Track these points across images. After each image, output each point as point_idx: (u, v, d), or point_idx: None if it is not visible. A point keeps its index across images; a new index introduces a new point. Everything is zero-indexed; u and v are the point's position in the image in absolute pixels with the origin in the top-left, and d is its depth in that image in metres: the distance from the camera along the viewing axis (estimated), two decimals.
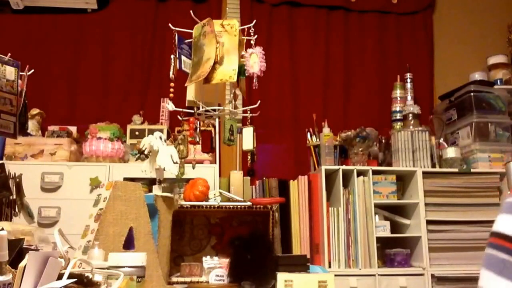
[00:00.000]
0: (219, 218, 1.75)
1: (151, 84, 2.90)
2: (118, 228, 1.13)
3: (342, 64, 3.08)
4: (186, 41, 1.65)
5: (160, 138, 1.40)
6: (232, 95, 1.67)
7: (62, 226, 1.51)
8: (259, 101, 1.76)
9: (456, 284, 2.34)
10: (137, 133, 2.58)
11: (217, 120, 2.27)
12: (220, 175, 2.44)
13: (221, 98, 1.93)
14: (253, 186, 2.55)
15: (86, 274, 0.69)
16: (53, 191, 2.31)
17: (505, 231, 0.57)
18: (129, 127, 2.61)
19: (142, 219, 1.21)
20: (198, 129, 1.59)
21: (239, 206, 1.65)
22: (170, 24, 1.61)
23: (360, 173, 2.45)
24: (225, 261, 1.52)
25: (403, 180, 2.59)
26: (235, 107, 1.65)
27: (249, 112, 1.73)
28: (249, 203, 1.67)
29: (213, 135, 2.49)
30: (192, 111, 1.62)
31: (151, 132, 1.97)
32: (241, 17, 2.98)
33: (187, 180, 1.87)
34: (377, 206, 2.43)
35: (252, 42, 1.59)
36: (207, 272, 1.53)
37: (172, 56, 1.57)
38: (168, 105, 1.56)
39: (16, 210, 1.46)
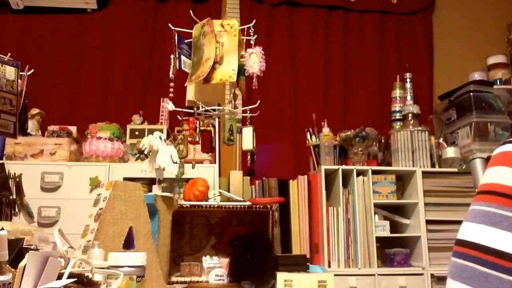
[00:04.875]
0: (219, 218, 1.75)
1: (151, 84, 2.91)
2: (118, 228, 1.13)
3: (341, 64, 3.08)
4: (186, 41, 1.65)
5: (160, 138, 1.40)
6: (231, 95, 1.67)
7: (62, 226, 1.51)
8: (259, 101, 1.77)
9: None
10: (137, 133, 2.58)
11: (216, 120, 2.27)
12: (220, 175, 2.45)
13: (221, 98, 1.93)
14: (253, 186, 2.56)
15: (86, 274, 0.69)
16: (53, 191, 2.31)
17: (482, 242, 0.55)
18: (129, 127, 2.62)
19: (142, 219, 1.21)
20: (198, 129, 1.60)
21: (238, 206, 1.65)
22: (170, 24, 1.61)
23: (359, 173, 2.45)
24: (225, 260, 1.53)
25: (402, 180, 2.59)
26: (235, 107, 1.66)
27: (248, 112, 1.73)
28: (248, 203, 1.67)
29: (212, 135, 2.49)
30: (192, 111, 1.62)
31: (151, 132, 1.97)
32: (241, 17, 2.98)
33: (187, 180, 1.88)
34: (376, 206, 2.44)
35: (252, 42, 1.59)
36: (207, 271, 1.54)
37: (172, 56, 1.57)
38: (168, 105, 1.56)
39: (16, 210, 1.47)
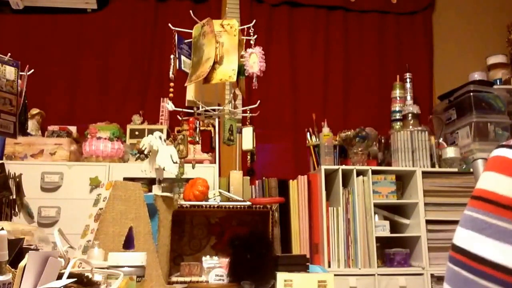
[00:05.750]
0: (219, 218, 1.75)
1: (151, 84, 2.91)
2: (118, 228, 1.13)
3: (341, 64, 3.08)
4: (186, 41, 1.65)
5: (160, 138, 1.40)
6: (231, 95, 1.67)
7: (62, 226, 1.51)
8: (259, 101, 1.77)
9: None
10: (137, 133, 2.58)
11: (216, 120, 2.27)
12: (219, 175, 2.45)
13: (221, 98, 1.93)
14: (253, 186, 2.56)
15: (86, 274, 0.69)
16: (53, 191, 2.31)
17: (468, 248, 0.55)
18: (129, 127, 2.62)
19: (142, 219, 1.21)
20: (197, 129, 1.60)
21: (238, 206, 1.65)
22: (170, 24, 1.61)
23: (359, 173, 2.45)
24: (225, 260, 1.52)
25: (402, 180, 2.59)
26: (235, 107, 1.66)
27: (248, 112, 1.73)
28: (248, 203, 1.67)
29: (212, 135, 2.49)
30: (192, 111, 1.62)
31: (151, 132, 1.97)
32: (241, 17, 2.98)
33: (187, 180, 1.88)
34: (376, 205, 2.44)
35: (251, 42, 1.59)
36: (207, 271, 1.54)
37: (171, 56, 1.57)
38: (168, 105, 1.56)
39: (16, 210, 1.47)
